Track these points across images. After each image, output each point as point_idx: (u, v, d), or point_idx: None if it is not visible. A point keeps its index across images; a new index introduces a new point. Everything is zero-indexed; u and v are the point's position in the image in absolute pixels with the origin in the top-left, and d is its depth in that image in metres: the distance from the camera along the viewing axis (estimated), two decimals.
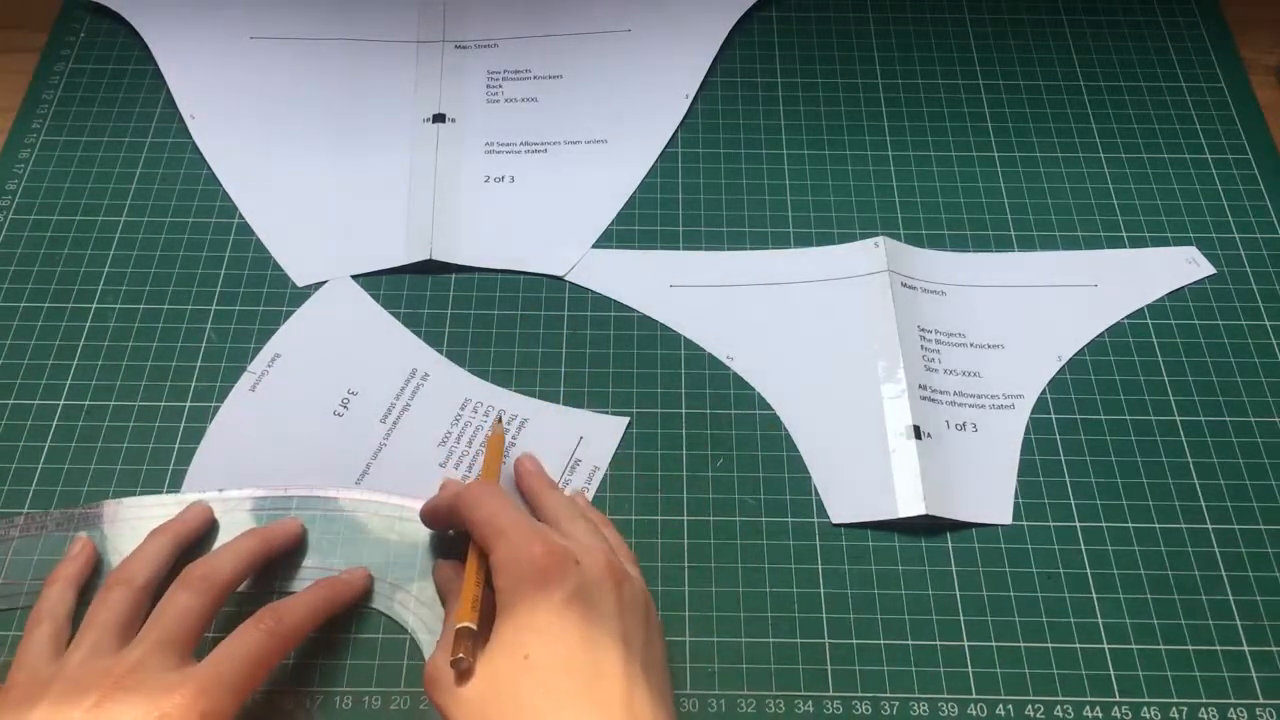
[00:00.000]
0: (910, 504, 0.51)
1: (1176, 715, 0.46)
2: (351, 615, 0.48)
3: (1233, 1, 0.72)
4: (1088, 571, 0.50)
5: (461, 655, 0.40)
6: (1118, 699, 0.47)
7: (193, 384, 0.55)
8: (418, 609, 0.48)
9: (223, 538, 0.50)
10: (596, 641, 0.40)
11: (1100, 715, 0.46)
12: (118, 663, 0.41)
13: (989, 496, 0.52)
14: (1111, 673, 0.47)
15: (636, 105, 0.67)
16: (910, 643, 0.48)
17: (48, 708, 0.40)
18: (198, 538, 0.49)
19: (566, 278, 0.60)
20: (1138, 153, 0.65)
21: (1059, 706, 0.47)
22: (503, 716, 0.39)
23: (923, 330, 0.57)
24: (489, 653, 0.41)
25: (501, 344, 0.57)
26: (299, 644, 0.46)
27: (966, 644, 0.48)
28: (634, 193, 0.63)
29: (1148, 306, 0.59)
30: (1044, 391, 0.56)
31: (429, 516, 0.49)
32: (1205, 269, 0.60)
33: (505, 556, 0.42)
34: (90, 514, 0.51)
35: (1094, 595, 0.49)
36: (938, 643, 0.48)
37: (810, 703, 0.47)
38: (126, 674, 0.41)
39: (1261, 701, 0.47)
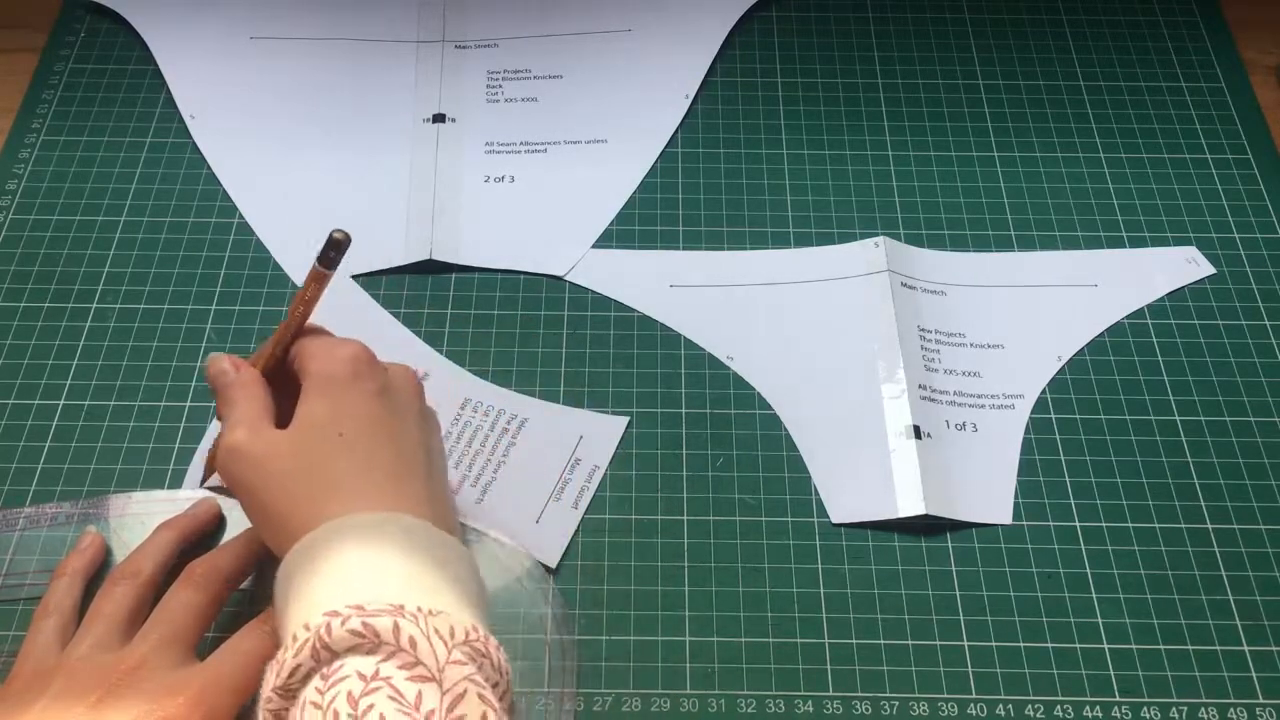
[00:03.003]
0: (910, 504, 0.51)
1: (1176, 715, 0.46)
2: None
3: (1233, 1, 0.72)
4: (1088, 571, 0.50)
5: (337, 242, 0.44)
6: (1118, 699, 0.47)
7: (193, 384, 0.55)
8: None
9: (229, 533, 0.50)
10: (402, 436, 0.43)
11: (1100, 715, 0.46)
12: (121, 659, 0.41)
13: (989, 496, 0.52)
14: (1111, 673, 0.47)
15: (636, 105, 0.67)
16: (910, 643, 0.48)
17: (50, 701, 0.40)
18: (204, 533, 0.49)
19: (566, 278, 0.60)
20: (1138, 153, 0.65)
21: (1059, 706, 0.47)
22: (312, 486, 0.41)
23: (923, 330, 0.57)
24: (299, 429, 0.42)
25: (501, 344, 0.57)
26: None
27: (966, 644, 0.48)
28: (634, 193, 0.63)
29: (1148, 306, 0.59)
30: (1044, 391, 0.56)
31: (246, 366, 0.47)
32: (1205, 269, 0.60)
33: (322, 359, 0.44)
34: (97, 507, 0.51)
35: (1094, 595, 0.49)
36: (938, 643, 0.48)
37: (810, 703, 0.47)
38: (129, 672, 0.41)
39: (1261, 701, 0.47)
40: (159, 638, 0.42)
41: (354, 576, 0.37)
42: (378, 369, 0.45)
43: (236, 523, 0.50)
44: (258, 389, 0.44)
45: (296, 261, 0.60)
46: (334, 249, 0.45)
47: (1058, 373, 0.56)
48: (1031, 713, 0.46)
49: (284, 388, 0.45)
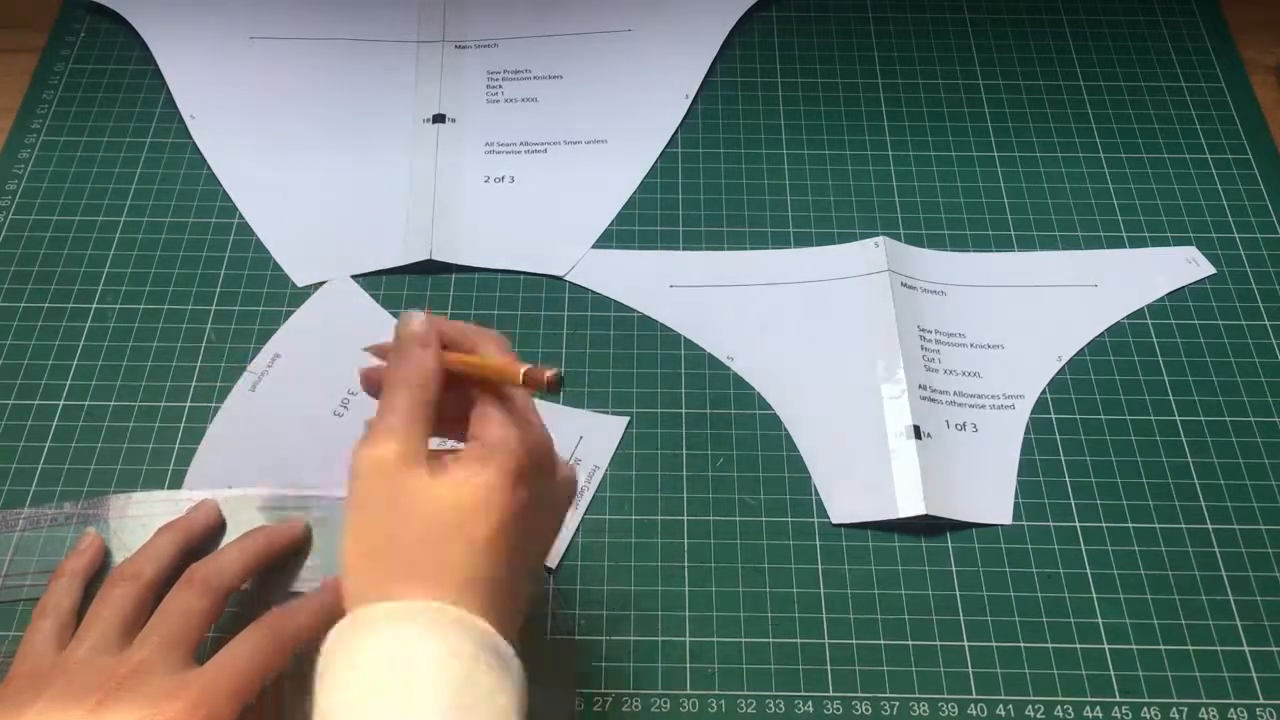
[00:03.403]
0: (910, 504, 0.51)
1: (1176, 715, 0.46)
2: None
3: (1233, 1, 0.72)
4: (1088, 571, 0.50)
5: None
6: (1118, 699, 0.47)
7: (193, 384, 0.55)
8: None
9: (229, 535, 0.50)
10: (524, 546, 0.40)
11: (1100, 715, 0.46)
12: (120, 663, 0.41)
13: (989, 496, 0.52)
14: (1111, 673, 0.47)
15: (636, 105, 0.67)
16: (910, 643, 0.48)
17: (47, 703, 0.40)
18: (205, 536, 0.49)
19: (566, 278, 0.60)
20: (1138, 153, 0.65)
21: (1059, 706, 0.47)
22: (414, 556, 0.38)
23: (923, 330, 0.57)
24: (442, 497, 0.38)
25: None
26: (302, 648, 0.45)
27: (966, 644, 0.48)
28: (634, 193, 0.63)
29: (1148, 306, 0.59)
30: (1044, 391, 0.56)
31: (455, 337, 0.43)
32: (1205, 269, 0.60)
33: (505, 438, 0.39)
34: (97, 508, 0.51)
35: (1094, 595, 0.49)
36: (938, 643, 0.48)
37: (810, 703, 0.47)
38: (129, 675, 0.41)
39: (1261, 701, 0.47)
40: (158, 641, 0.42)
41: (390, 690, 0.35)
42: (548, 473, 0.41)
43: (240, 525, 0.50)
44: (427, 396, 0.40)
45: (296, 261, 0.60)
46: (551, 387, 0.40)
47: (1058, 373, 0.56)
48: (1031, 713, 0.46)
49: (455, 393, 0.41)
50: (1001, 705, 0.47)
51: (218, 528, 0.50)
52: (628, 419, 0.54)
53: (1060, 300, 0.59)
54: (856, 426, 0.54)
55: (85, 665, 0.41)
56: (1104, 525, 0.51)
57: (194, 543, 0.48)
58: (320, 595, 0.46)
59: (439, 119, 0.66)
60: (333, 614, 0.45)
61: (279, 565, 0.49)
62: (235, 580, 0.45)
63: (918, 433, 0.53)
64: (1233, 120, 0.66)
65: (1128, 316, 0.58)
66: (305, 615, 0.45)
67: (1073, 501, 0.52)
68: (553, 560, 0.50)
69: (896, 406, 0.54)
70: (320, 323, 0.58)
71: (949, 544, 0.51)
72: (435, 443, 0.42)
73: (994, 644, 0.48)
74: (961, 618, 0.49)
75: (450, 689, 0.35)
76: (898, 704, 0.47)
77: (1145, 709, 0.46)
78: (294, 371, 0.56)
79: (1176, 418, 0.55)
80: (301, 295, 0.59)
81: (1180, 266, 0.60)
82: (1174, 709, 0.46)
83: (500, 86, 0.68)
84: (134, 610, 0.44)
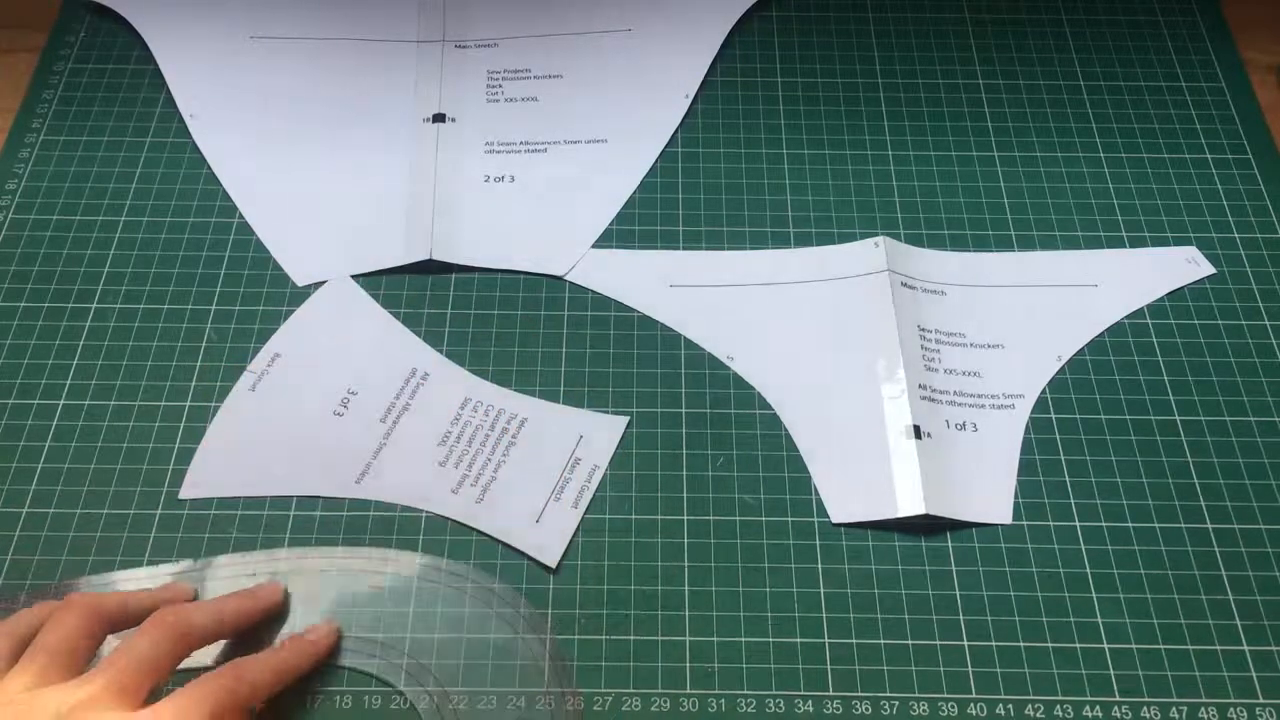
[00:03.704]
0: (910, 504, 0.51)
1: (1176, 715, 0.46)
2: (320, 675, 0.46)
3: (1233, 1, 0.72)
4: (1088, 571, 0.50)
5: None
6: (1118, 699, 0.47)
7: (193, 384, 0.55)
8: (412, 668, 0.47)
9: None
10: None
11: (1100, 715, 0.46)
12: (63, 699, 0.39)
13: (989, 496, 0.52)
14: (1111, 673, 0.47)
15: (636, 105, 0.67)
16: (910, 643, 0.48)
17: None
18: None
19: (566, 278, 0.60)
20: (1138, 153, 0.65)
21: (1059, 706, 0.47)
22: None
23: (923, 330, 0.57)
24: None
25: (501, 344, 0.57)
26: (258, 703, 0.43)
27: (966, 644, 0.48)
28: (634, 193, 0.63)
29: (1148, 306, 0.59)
30: (1044, 391, 0.56)
31: None
32: (1205, 269, 0.60)
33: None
34: (63, 590, 0.48)
35: (1094, 595, 0.49)
36: (938, 643, 0.48)
37: (810, 703, 0.47)
38: (69, 714, 0.38)
39: (1261, 701, 0.47)
40: (107, 683, 0.39)
41: None
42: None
43: (207, 594, 0.48)
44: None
45: (296, 261, 0.60)
46: None
47: (1058, 373, 0.56)
48: (1031, 713, 0.46)
49: None
50: (1001, 705, 0.47)
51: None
52: (628, 419, 0.54)
53: (1060, 300, 0.59)
54: (856, 426, 0.54)
55: (25, 696, 0.39)
56: (1104, 525, 0.51)
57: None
58: (280, 652, 0.45)
59: (439, 118, 0.66)
60: (293, 672, 0.44)
61: (254, 630, 0.47)
62: (205, 635, 0.43)
63: (918, 432, 0.53)
64: (1233, 120, 0.67)
65: (1128, 316, 0.58)
66: (262, 670, 0.43)
67: (1073, 501, 0.52)
68: (553, 560, 0.50)
69: (896, 406, 0.54)
70: (320, 323, 0.58)
71: (949, 544, 0.51)
72: None
73: (994, 643, 0.48)
74: (961, 617, 0.49)
75: None
76: (897, 703, 0.47)
77: (1145, 708, 0.47)
78: (294, 371, 0.56)
79: (1176, 418, 0.55)
80: (301, 295, 0.59)
81: (1180, 266, 0.60)
82: (1174, 708, 0.46)
83: (500, 86, 0.68)
84: (82, 641, 0.41)
